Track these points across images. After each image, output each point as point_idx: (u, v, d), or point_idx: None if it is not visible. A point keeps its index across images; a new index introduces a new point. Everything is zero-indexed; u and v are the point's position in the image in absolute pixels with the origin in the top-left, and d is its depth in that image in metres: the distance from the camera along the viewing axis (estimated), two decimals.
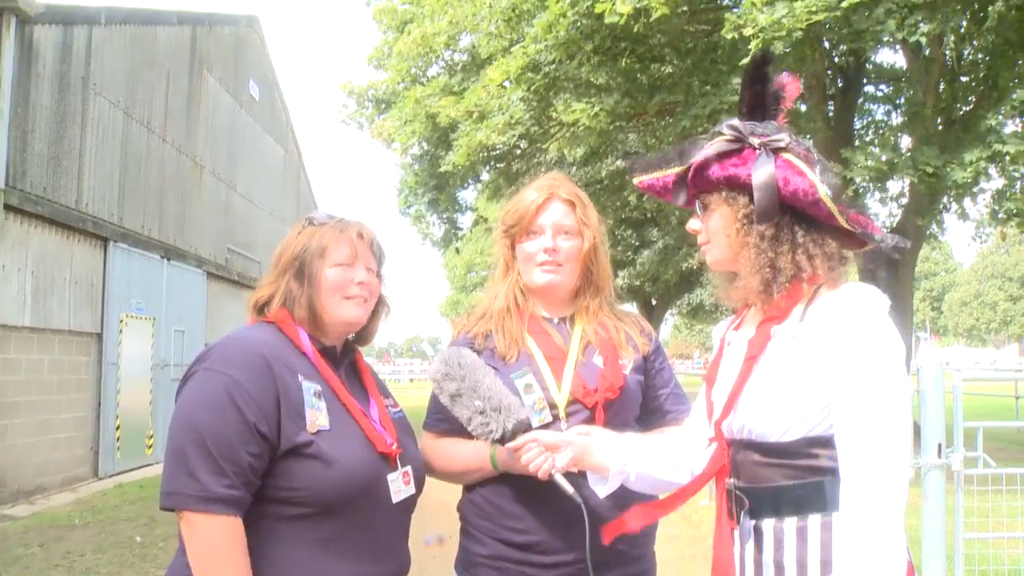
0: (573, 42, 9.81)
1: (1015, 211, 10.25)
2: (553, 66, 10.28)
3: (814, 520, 1.65)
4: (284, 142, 20.08)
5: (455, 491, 2.35)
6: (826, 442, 1.64)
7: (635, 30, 9.28)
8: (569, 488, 1.97)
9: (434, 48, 14.49)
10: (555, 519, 2.12)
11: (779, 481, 1.69)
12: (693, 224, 1.88)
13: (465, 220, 20.65)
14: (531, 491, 2.12)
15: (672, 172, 1.86)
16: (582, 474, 2.04)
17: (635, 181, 1.96)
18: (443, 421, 2.24)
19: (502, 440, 1.98)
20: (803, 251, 1.72)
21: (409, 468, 2.02)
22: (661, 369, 2.40)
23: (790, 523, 1.67)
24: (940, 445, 3.71)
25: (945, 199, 11.38)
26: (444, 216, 19.60)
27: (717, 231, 1.81)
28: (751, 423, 1.72)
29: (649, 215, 23.45)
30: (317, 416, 1.87)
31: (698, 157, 1.78)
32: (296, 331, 1.98)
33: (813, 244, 1.73)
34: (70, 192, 10.21)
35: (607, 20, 9.21)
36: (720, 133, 1.80)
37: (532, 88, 10.73)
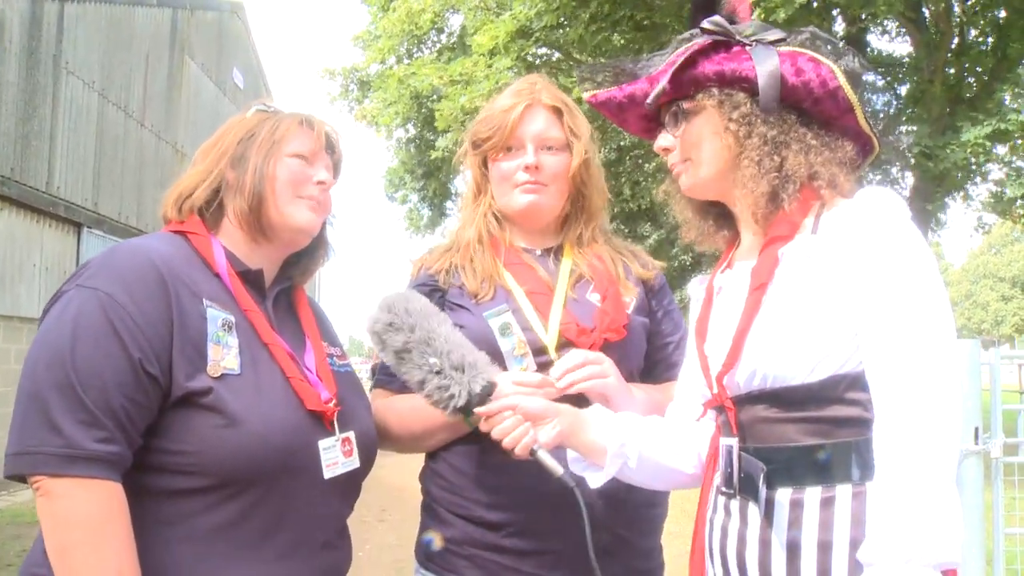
0: (566, 4, 9.29)
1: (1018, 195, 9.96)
2: (545, 32, 9.76)
3: (843, 491, 1.32)
4: None
5: (402, 470, 1.90)
6: (859, 381, 1.32)
7: None
8: (558, 468, 1.52)
9: (419, 25, 13.92)
10: (541, 496, 1.68)
11: (799, 440, 1.35)
12: (664, 140, 1.56)
13: (455, 207, 20.09)
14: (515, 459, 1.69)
15: (635, 81, 1.56)
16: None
17: (586, 96, 1.64)
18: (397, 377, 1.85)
19: (467, 407, 1.52)
20: (816, 154, 1.44)
21: (351, 434, 1.56)
22: (670, 311, 1.97)
23: (812, 493, 1.34)
24: (977, 429, 3.34)
25: (949, 180, 11.02)
26: (432, 204, 19.07)
27: (702, 140, 1.50)
28: (767, 366, 1.37)
29: (642, 207, 22.99)
30: (224, 355, 1.41)
31: (680, 53, 1.49)
32: (209, 244, 1.54)
33: (827, 148, 1.46)
34: (40, 174, 9.76)
35: None
36: (694, 36, 1.52)
37: (522, 55, 10.12)
